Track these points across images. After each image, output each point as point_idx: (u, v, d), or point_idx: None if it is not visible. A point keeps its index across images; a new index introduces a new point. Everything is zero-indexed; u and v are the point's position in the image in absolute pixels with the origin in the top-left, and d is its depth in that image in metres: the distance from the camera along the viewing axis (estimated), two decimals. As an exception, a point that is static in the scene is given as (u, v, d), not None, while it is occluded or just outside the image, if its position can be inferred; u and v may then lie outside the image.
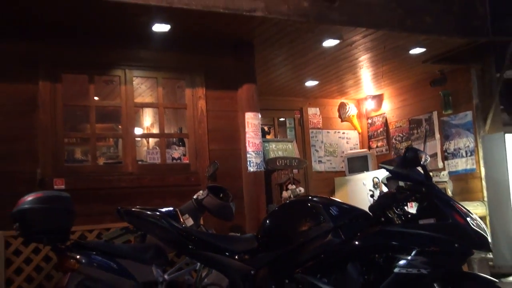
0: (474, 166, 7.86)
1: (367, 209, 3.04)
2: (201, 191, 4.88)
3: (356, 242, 2.88)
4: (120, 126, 6.09)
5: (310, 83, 8.56)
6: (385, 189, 3.20)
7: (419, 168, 3.01)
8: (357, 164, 9.24)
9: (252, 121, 6.26)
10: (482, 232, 2.85)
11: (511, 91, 7.77)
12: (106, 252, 3.52)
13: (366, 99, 9.78)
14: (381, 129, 9.67)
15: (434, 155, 8.47)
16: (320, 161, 9.55)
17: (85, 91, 5.98)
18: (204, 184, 5.63)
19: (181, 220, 3.40)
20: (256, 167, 6.21)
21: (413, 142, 8.86)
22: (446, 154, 8.37)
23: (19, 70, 5.40)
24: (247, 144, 6.22)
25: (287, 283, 2.90)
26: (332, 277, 2.88)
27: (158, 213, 3.12)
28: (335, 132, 9.80)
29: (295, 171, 8.06)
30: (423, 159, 2.99)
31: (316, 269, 2.90)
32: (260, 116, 6.41)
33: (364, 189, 8.06)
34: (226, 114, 6.34)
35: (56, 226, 3.56)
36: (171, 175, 6.00)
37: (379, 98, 9.65)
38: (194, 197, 4.84)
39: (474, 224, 2.86)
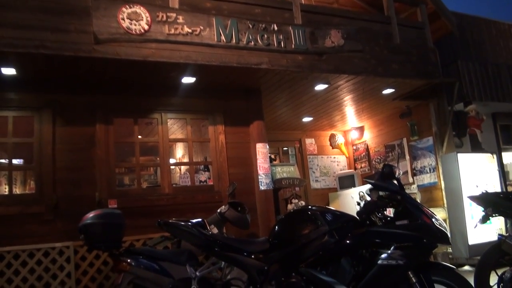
0: (436, 180, 7.81)
1: (355, 215, 3.02)
2: (223, 206, 4.89)
3: (348, 241, 2.85)
4: (158, 158, 6.11)
5: (306, 119, 8.58)
6: (368, 199, 3.18)
7: (395, 181, 3.00)
8: (346, 181, 9.19)
9: (262, 150, 6.27)
10: (443, 230, 2.82)
11: (459, 120, 7.82)
12: (150, 256, 3.50)
13: (351, 130, 9.79)
14: (364, 154, 9.64)
15: (405, 173, 8.43)
16: (316, 180, 9.51)
17: (131, 131, 6.03)
18: (225, 200, 5.64)
19: (208, 228, 3.38)
20: (266, 186, 6.19)
21: (389, 163, 8.79)
22: (414, 171, 8.32)
23: (82, 116, 5.49)
24: (258, 168, 6.21)
25: (293, 275, 2.86)
26: (329, 269, 2.84)
27: (190, 223, 3.11)
28: (328, 157, 9.77)
29: (297, 188, 8.03)
30: (397, 173, 2.98)
31: (316, 264, 2.86)
32: (268, 146, 6.41)
33: (352, 201, 8.01)
34: (241, 145, 6.34)
35: (111, 236, 3.56)
36: (199, 194, 5.99)
37: (361, 129, 9.65)
38: (218, 210, 4.84)
39: (437, 224, 2.82)
